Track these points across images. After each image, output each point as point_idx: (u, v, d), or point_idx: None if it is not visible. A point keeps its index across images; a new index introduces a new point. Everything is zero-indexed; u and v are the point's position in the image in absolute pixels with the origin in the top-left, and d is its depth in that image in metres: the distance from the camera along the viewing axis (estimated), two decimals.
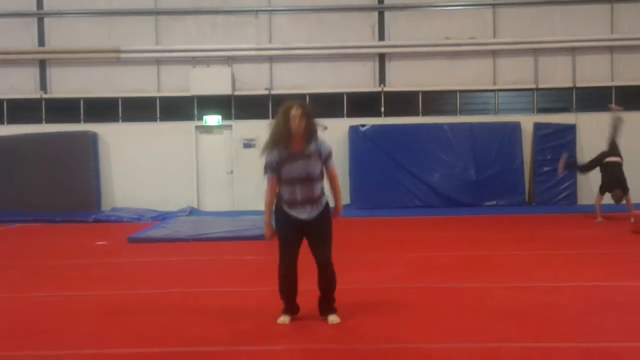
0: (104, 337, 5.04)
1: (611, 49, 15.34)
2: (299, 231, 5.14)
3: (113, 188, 15.26)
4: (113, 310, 5.84)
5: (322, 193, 5.19)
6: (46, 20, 15.52)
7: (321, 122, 5.22)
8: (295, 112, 5.05)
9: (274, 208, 5.19)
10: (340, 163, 13.97)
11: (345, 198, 14.80)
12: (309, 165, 5.05)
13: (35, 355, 4.67)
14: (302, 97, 15.32)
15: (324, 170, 5.20)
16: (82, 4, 15.46)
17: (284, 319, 5.22)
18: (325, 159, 5.15)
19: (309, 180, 5.05)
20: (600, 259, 8.08)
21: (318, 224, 5.12)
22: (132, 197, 15.06)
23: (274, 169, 5.09)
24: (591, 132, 14.99)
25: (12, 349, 4.79)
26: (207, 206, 15.39)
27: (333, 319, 5.17)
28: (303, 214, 5.08)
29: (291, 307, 5.27)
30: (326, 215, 5.19)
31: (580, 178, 14.86)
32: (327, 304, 5.25)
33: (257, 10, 15.44)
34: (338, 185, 5.30)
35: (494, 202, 14.64)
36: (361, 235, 10.57)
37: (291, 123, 5.03)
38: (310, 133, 5.09)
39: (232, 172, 15.38)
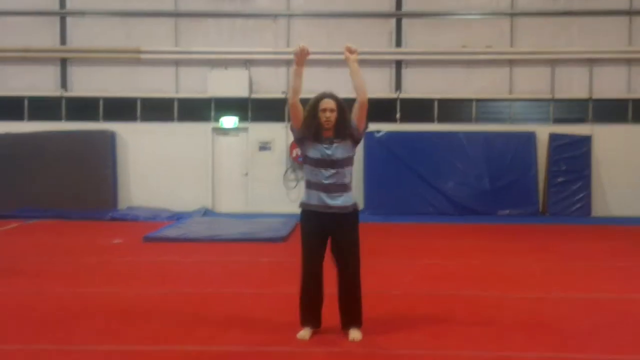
0: (117, 334, 5.13)
1: (629, 62, 15.29)
2: (324, 231, 4.90)
3: (130, 187, 15.41)
4: (127, 307, 5.94)
5: (350, 186, 4.96)
6: (68, 19, 15.71)
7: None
8: (325, 104, 4.89)
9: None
10: (355, 169, 13.99)
11: (359, 203, 14.84)
12: (333, 149, 4.86)
13: (50, 349, 4.78)
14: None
15: (354, 132, 4.94)
16: (104, 4, 15.63)
17: (304, 334, 4.92)
18: (352, 128, 4.92)
19: (336, 164, 4.84)
20: (615, 271, 8.08)
21: (345, 225, 4.88)
22: (148, 196, 15.21)
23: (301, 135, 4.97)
24: (607, 143, 14.99)
25: (27, 342, 4.91)
26: (221, 207, 15.50)
27: (354, 335, 4.87)
28: (329, 199, 4.84)
29: (313, 319, 4.97)
30: (354, 219, 4.96)
31: (595, 189, 14.85)
32: (351, 316, 4.94)
33: (276, 15, 15.54)
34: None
35: (508, 212, 14.62)
36: (375, 241, 10.58)
37: (321, 114, 4.88)
38: (340, 127, 4.88)
39: (247, 174, 15.49)
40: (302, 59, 4.95)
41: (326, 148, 4.89)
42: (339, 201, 4.89)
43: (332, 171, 4.87)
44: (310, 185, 4.97)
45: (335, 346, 4.79)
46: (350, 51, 5.03)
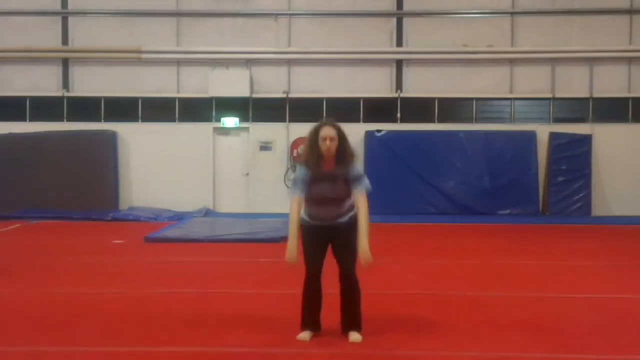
0: (119, 335, 5.17)
1: (629, 60, 15.30)
2: (324, 239, 4.96)
3: (131, 187, 15.45)
4: (128, 308, 5.98)
5: (351, 207, 4.97)
6: (70, 19, 15.74)
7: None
8: (326, 132, 4.84)
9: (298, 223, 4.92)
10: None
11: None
12: (335, 187, 4.86)
13: (50, 351, 4.81)
14: (319, 101, 15.47)
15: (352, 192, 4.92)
16: (105, 3, 15.67)
17: (304, 336, 4.97)
18: (353, 180, 4.86)
19: (336, 201, 4.89)
20: (615, 271, 8.12)
21: (344, 231, 4.93)
22: (149, 197, 15.24)
23: (301, 187, 4.88)
24: (607, 143, 15.02)
25: (28, 344, 4.94)
26: (222, 208, 15.54)
27: (355, 337, 4.91)
28: (329, 222, 4.92)
29: (312, 323, 5.03)
30: (353, 225, 4.95)
31: (595, 189, 14.86)
32: (350, 319, 5.00)
33: (277, 14, 15.56)
34: (365, 213, 4.80)
35: (508, 211, 14.64)
36: (375, 241, 10.57)
37: (321, 143, 4.83)
38: (341, 155, 4.85)
39: (248, 174, 15.52)
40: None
41: (328, 186, 4.88)
42: (339, 221, 4.96)
43: (334, 206, 4.93)
44: (311, 215, 5.00)
45: (336, 348, 4.82)
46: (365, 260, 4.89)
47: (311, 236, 4.99)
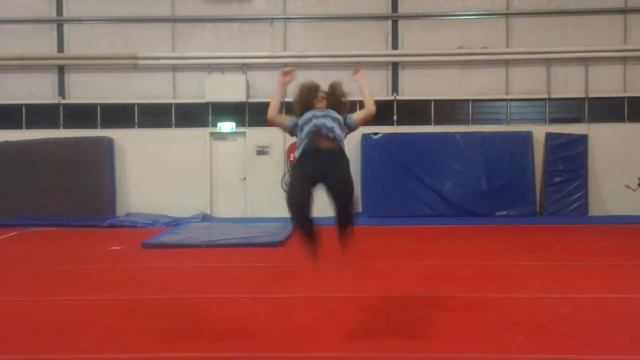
0: (116, 341, 5.15)
1: (624, 60, 15.35)
2: (314, 176, 5.14)
3: (128, 193, 15.45)
4: (126, 314, 5.96)
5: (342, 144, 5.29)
6: (65, 26, 15.75)
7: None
8: (320, 93, 5.32)
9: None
10: (353, 171, 14.03)
11: (356, 206, 14.85)
12: (327, 121, 5.16)
13: (48, 358, 4.79)
14: None
15: (350, 122, 5.35)
16: (101, 10, 15.68)
17: (312, 263, 5.29)
18: (346, 121, 5.29)
19: (328, 137, 5.14)
20: (612, 270, 8.11)
21: (336, 163, 5.18)
22: (146, 203, 15.24)
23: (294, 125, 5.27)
24: (603, 142, 15.06)
25: (26, 352, 4.93)
26: (220, 212, 15.54)
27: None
28: (321, 147, 5.17)
29: (311, 241, 5.24)
30: (344, 157, 5.25)
31: (592, 189, 14.88)
32: (346, 239, 5.37)
33: (272, 18, 15.59)
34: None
35: (505, 212, 14.66)
36: (372, 244, 10.63)
37: (313, 97, 5.30)
38: (333, 105, 5.28)
39: (245, 178, 15.52)
40: (287, 79, 5.52)
41: (320, 116, 5.19)
42: (332, 149, 5.21)
43: (328, 141, 5.16)
44: (303, 145, 5.22)
45: (334, 351, 4.82)
46: (357, 70, 5.63)
47: (301, 178, 5.14)
